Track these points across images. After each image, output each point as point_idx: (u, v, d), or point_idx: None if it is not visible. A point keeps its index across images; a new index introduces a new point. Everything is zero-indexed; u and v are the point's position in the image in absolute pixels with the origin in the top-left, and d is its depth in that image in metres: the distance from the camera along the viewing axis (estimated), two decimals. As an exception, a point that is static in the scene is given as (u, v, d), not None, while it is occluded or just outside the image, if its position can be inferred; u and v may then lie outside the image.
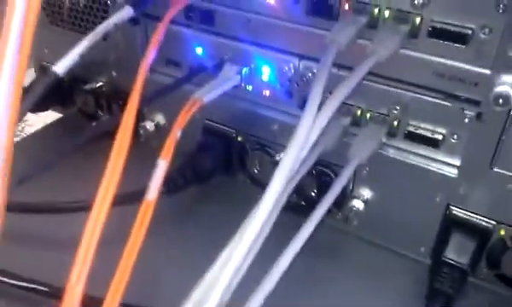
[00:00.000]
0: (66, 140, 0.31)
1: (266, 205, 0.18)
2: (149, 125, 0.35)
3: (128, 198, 0.25)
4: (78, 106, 0.38)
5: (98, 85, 0.36)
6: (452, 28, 0.23)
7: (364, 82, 0.26)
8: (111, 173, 0.20)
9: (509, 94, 0.22)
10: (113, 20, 0.23)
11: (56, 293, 0.24)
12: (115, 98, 0.36)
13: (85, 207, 0.22)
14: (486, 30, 0.22)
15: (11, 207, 0.17)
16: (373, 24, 0.24)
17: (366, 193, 0.29)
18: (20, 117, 0.30)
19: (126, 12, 0.23)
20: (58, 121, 0.39)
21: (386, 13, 0.24)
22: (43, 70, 0.39)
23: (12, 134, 0.15)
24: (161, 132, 0.35)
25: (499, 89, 0.22)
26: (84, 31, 0.34)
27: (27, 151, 0.34)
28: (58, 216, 0.27)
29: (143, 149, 0.29)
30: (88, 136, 0.27)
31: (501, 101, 0.22)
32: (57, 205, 0.27)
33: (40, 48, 0.38)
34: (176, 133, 0.25)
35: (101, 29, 0.23)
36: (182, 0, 0.24)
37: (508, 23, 0.21)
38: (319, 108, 0.21)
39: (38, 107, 0.37)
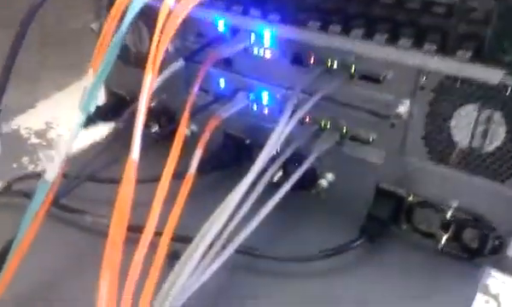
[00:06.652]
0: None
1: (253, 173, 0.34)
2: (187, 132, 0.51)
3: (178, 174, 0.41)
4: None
5: (153, 105, 0.52)
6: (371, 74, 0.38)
7: (326, 104, 0.41)
8: (171, 161, 0.33)
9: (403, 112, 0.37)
10: (171, 68, 0.39)
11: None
12: (164, 114, 0.52)
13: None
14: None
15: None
16: (327, 70, 0.40)
17: (329, 175, 0.44)
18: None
19: (180, 63, 0.39)
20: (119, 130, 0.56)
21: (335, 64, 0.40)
22: (112, 95, 0.56)
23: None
24: (194, 137, 0.51)
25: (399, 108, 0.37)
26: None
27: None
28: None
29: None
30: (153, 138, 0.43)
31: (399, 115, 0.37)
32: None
33: (112, 78, 0.54)
34: (207, 134, 0.41)
35: (164, 75, 0.38)
36: (217, 55, 0.40)
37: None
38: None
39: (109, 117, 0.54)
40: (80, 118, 0.29)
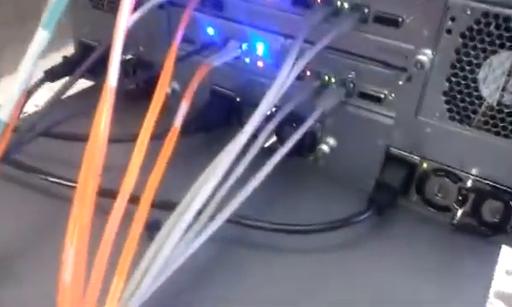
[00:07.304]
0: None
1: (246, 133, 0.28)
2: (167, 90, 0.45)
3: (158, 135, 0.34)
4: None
5: (128, 58, 0.46)
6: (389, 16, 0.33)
7: (331, 55, 0.36)
8: (151, 114, 0.29)
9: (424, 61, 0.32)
10: (148, 5, 0.33)
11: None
12: (141, 68, 0.45)
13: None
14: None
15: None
16: (336, 12, 0.34)
17: (331, 140, 0.39)
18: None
19: (159, -1, 0.33)
20: (93, 86, 0.49)
21: (346, 4, 0.34)
22: (81, 45, 0.49)
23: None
24: (176, 96, 0.45)
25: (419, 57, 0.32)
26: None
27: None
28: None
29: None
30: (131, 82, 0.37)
31: (419, 65, 0.32)
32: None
33: (82, 27, 0.48)
34: (194, 84, 0.35)
35: (146, 7, 0.32)
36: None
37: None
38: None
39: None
40: (41, 35, 0.22)
